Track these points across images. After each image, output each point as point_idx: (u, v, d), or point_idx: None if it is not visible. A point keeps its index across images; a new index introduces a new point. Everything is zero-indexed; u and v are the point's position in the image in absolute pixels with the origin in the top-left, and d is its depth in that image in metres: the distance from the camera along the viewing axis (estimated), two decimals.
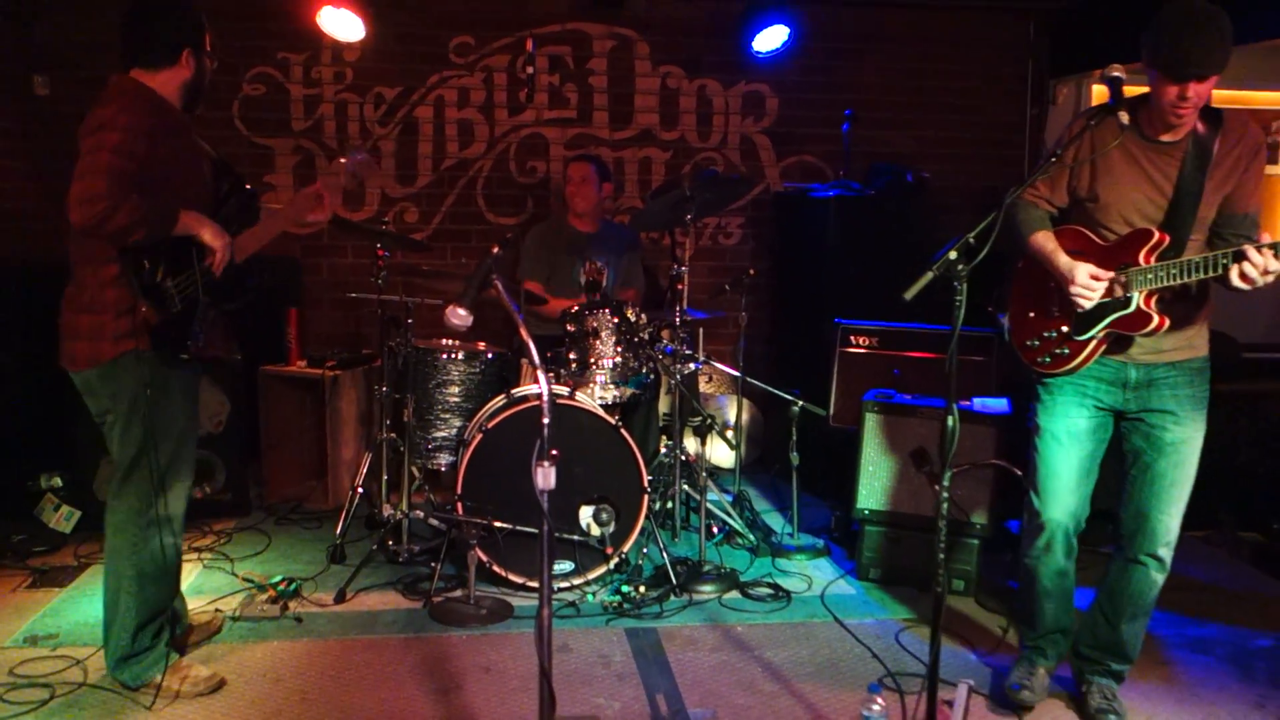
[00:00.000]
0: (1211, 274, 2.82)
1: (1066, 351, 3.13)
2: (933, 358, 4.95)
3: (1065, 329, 3.13)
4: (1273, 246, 2.70)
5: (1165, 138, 2.99)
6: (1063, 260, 3.08)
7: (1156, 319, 2.95)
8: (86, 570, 4.35)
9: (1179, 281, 2.88)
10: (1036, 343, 3.22)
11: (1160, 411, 3.10)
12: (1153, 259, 2.94)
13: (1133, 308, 2.98)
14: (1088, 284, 3.00)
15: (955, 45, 6.41)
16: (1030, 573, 3.35)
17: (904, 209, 5.58)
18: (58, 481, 4.82)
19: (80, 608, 3.97)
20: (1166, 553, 3.15)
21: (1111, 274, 3.00)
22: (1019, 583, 3.49)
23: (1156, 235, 2.95)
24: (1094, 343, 3.08)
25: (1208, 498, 5.00)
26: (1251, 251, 2.71)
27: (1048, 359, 3.18)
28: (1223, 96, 6.25)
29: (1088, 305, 3.03)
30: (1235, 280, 2.76)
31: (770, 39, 5.89)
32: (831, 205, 5.55)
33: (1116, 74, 2.91)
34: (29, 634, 3.72)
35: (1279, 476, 5.29)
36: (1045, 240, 3.15)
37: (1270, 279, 2.72)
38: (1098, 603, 3.34)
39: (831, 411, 5.09)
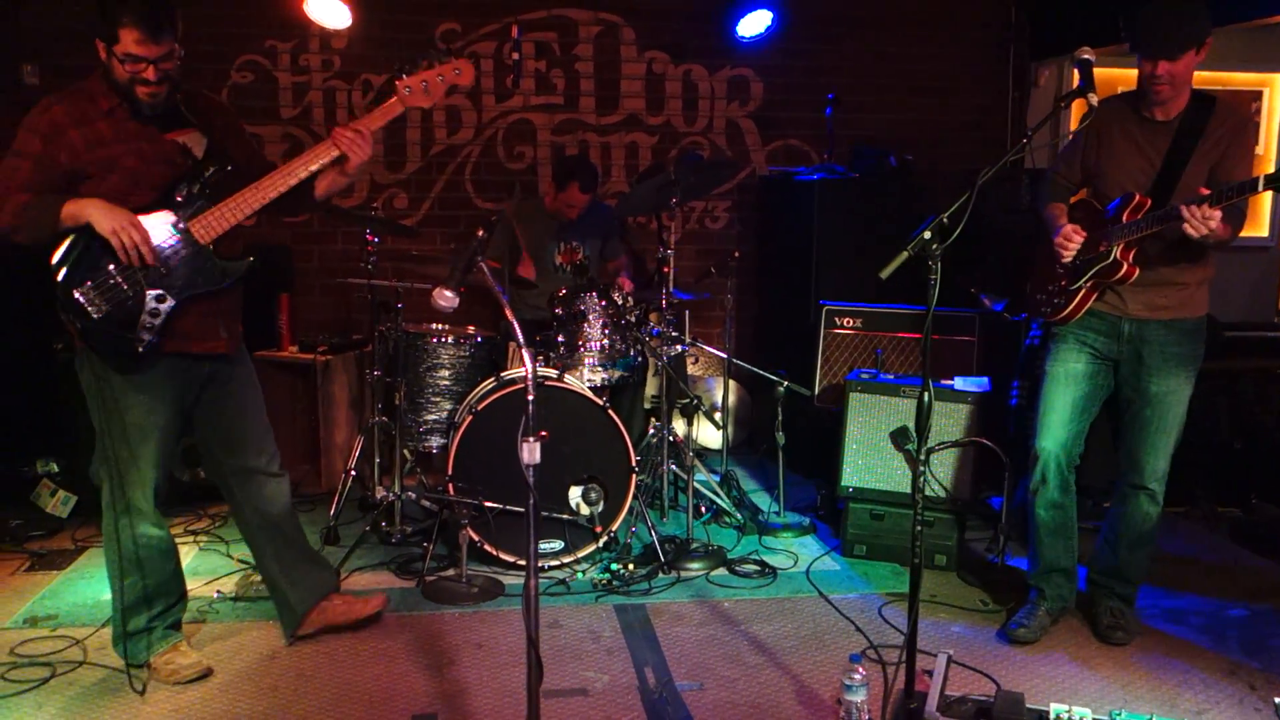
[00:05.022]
0: (1163, 222, 3.22)
1: (1062, 301, 3.56)
2: (916, 338, 5.04)
3: (1064, 283, 3.56)
4: (1206, 199, 3.07)
5: (1158, 116, 3.39)
6: (1060, 221, 3.57)
7: (1126, 268, 3.38)
8: (84, 553, 4.42)
9: (1144, 231, 3.29)
10: (1043, 297, 3.67)
11: (1148, 365, 3.49)
12: (1136, 217, 3.33)
13: (1111, 258, 3.39)
14: (1069, 235, 3.47)
15: (937, 28, 6.46)
16: (1029, 509, 3.73)
17: (887, 192, 5.65)
18: (54, 467, 4.87)
19: (78, 589, 4.03)
20: (1157, 487, 3.56)
21: (1085, 234, 3.45)
22: (1025, 527, 3.86)
23: (1137, 198, 3.36)
24: (1083, 292, 3.50)
25: (1187, 474, 5.11)
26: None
27: (1049, 309, 3.63)
28: (1202, 77, 6.33)
29: (1067, 257, 3.49)
30: (1185, 227, 3.13)
31: (754, 24, 5.94)
32: (816, 188, 5.60)
33: (1086, 56, 3.08)
34: (29, 615, 3.78)
35: (1257, 453, 5.38)
36: (1054, 208, 3.67)
37: (1213, 224, 3.09)
38: (1104, 535, 3.75)
39: (817, 392, 5.17)
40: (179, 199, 3.06)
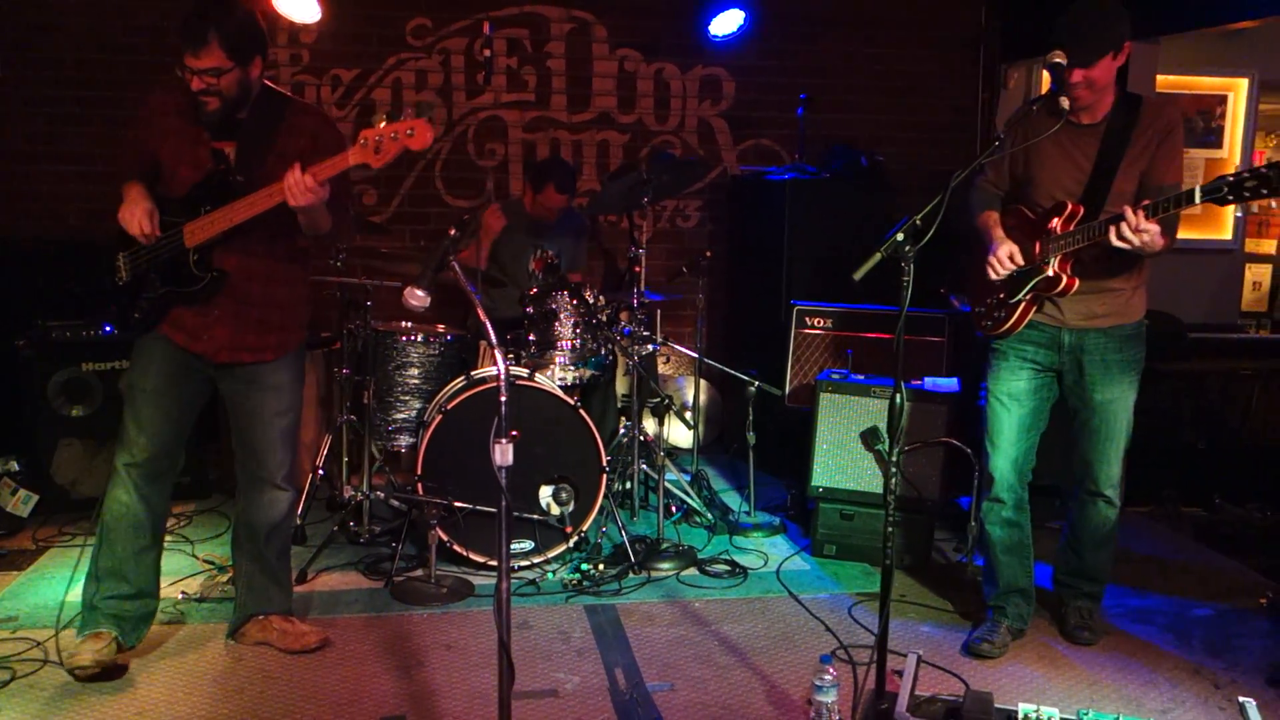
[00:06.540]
0: (1101, 235, 3.14)
1: (1003, 315, 3.49)
2: (887, 338, 5.05)
3: (1002, 296, 3.49)
4: (1145, 208, 3.02)
5: (1085, 120, 3.33)
6: (995, 235, 3.45)
7: (1066, 280, 3.32)
8: (45, 553, 4.34)
9: (1080, 244, 3.23)
10: (983, 310, 3.60)
11: (1090, 375, 3.47)
12: (1069, 227, 3.27)
13: (1050, 271, 3.32)
14: (1000, 258, 3.37)
15: (909, 29, 6.49)
16: (983, 528, 3.70)
17: (859, 192, 5.66)
18: (14, 465, 4.78)
19: (39, 590, 3.96)
20: (1112, 492, 3.57)
21: (1020, 263, 3.36)
22: (978, 545, 3.80)
23: (1070, 206, 3.30)
24: (1023, 305, 3.44)
25: (1151, 474, 5.17)
26: (1127, 211, 3.04)
27: (990, 323, 3.56)
28: (1168, 81, 6.40)
29: (995, 278, 3.42)
30: (1113, 238, 3.08)
31: (727, 23, 5.94)
32: (787, 188, 5.61)
33: (1058, 60, 3.07)
34: None
35: (1221, 453, 5.45)
36: (987, 218, 3.55)
37: (1146, 238, 3.04)
38: (1066, 537, 3.77)
39: (787, 391, 5.18)
40: (189, 199, 3.20)
